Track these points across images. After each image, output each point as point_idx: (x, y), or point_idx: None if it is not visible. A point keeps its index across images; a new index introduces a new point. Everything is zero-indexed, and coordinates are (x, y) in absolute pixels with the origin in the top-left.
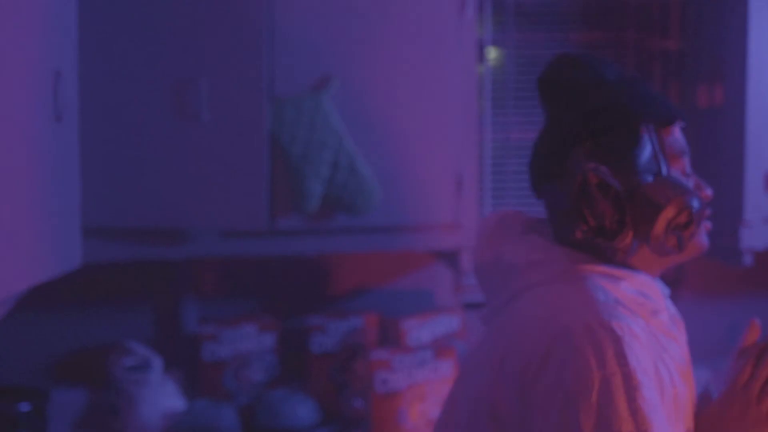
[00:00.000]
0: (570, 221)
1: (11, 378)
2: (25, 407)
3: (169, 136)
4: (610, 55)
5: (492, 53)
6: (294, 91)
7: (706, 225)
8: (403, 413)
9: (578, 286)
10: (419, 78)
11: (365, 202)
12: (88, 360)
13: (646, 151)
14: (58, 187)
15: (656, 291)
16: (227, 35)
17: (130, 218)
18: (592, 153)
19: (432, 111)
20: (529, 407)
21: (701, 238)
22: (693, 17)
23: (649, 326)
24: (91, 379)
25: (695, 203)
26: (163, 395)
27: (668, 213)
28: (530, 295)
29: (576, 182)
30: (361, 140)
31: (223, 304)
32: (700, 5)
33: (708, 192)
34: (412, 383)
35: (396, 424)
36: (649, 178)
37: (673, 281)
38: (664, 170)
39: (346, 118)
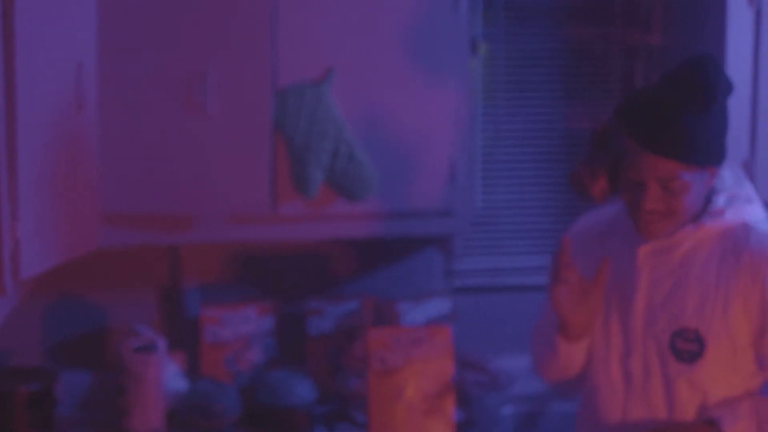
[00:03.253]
0: None
1: (22, 359)
2: (35, 387)
3: (177, 126)
4: (595, 51)
5: (483, 47)
6: (296, 82)
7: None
8: (400, 390)
9: None
10: (415, 70)
11: (364, 189)
12: (96, 342)
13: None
14: (79, 172)
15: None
16: (233, 29)
17: (143, 204)
18: None
19: (426, 101)
20: None
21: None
22: (675, 13)
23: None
24: (99, 360)
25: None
26: (166, 376)
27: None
28: None
29: None
30: (360, 130)
31: (224, 288)
32: (681, 1)
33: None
34: (409, 361)
35: (393, 400)
36: None
37: None
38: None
39: (345, 109)
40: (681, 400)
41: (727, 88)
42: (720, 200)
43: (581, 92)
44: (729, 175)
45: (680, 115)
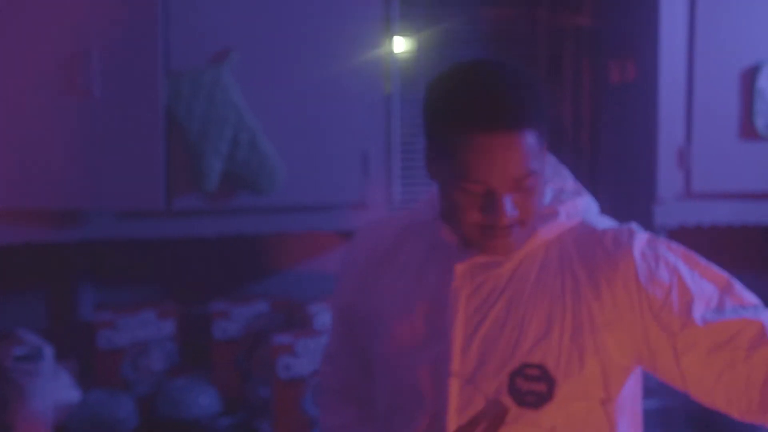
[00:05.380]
0: None
1: None
2: None
3: (58, 113)
4: (521, 33)
5: (401, 30)
6: (191, 64)
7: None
8: (308, 401)
9: None
10: (323, 53)
11: (267, 181)
12: None
13: None
14: None
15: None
16: (119, 5)
17: (18, 199)
18: None
19: (337, 87)
20: None
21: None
22: None
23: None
24: None
25: None
26: (56, 386)
27: None
28: None
29: None
30: (263, 116)
31: (119, 289)
32: None
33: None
34: (317, 369)
35: (300, 412)
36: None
37: None
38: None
39: (246, 93)
40: None
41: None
42: (546, 197)
43: None
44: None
45: (505, 82)
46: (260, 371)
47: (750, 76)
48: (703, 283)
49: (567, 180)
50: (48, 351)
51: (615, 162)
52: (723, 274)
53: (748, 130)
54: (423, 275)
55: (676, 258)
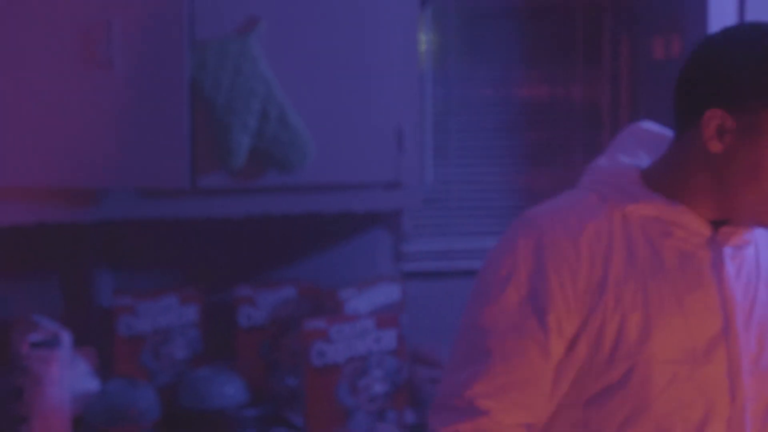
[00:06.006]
0: None
1: None
2: None
3: (77, 85)
4: (557, 9)
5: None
6: (217, 34)
7: None
8: (343, 389)
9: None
10: (357, 24)
11: (297, 157)
12: None
13: None
14: None
15: (688, 223)
16: None
17: (34, 176)
18: None
19: (370, 59)
20: None
21: None
22: None
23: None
24: None
25: None
26: (73, 375)
27: None
28: None
29: None
30: (292, 89)
31: (140, 274)
32: None
33: None
34: (352, 356)
35: (334, 401)
36: None
37: None
38: None
39: (274, 65)
40: None
41: None
42: None
43: (541, 55)
44: None
45: None
46: (287, 360)
47: None
48: None
49: None
50: (66, 337)
51: None
52: None
53: None
54: (672, 266)
55: None
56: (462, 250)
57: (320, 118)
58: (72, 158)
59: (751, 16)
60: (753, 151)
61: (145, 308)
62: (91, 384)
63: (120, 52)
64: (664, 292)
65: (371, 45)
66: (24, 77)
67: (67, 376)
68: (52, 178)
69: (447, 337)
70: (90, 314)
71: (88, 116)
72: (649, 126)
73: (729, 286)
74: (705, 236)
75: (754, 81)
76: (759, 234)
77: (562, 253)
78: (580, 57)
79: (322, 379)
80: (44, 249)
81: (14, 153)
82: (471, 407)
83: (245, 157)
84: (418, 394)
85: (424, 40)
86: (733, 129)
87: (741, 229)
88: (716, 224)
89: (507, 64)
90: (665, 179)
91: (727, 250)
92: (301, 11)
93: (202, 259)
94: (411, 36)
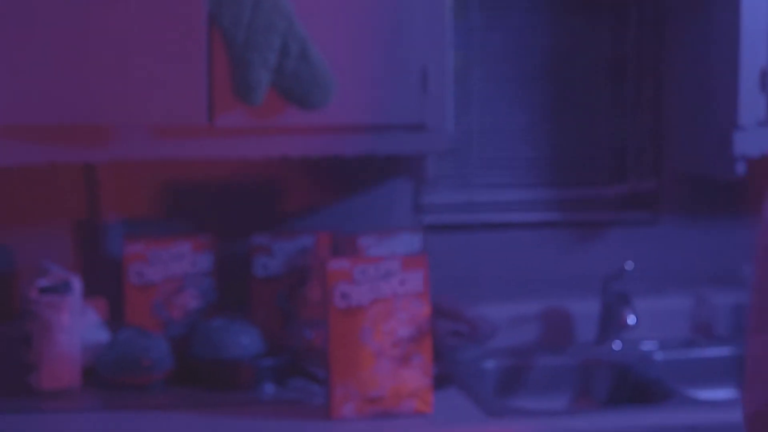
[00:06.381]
0: None
1: None
2: None
3: (86, 14)
4: None
5: None
6: None
7: None
8: (367, 332)
9: None
10: None
11: (318, 95)
12: None
13: None
14: None
15: None
16: None
17: (47, 113)
18: None
19: None
20: None
21: None
22: None
23: None
24: (2, 310)
25: None
26: (83, 324)
27: None
28: None
29: None
30: (314, 25)
31: (153, 222)
32: None
33: None
34: (377, 298)
35: (359, 344)
36: None
37: None
38: None
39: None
40: None
41: None
42: None
43: (567, 2)
44: None
45: None
46: (305, 311)
47: None
48: None
49: None
50: (76, 283)
51: (688, 86)
52: None
53: None
54: None
55: None
56: (484, 202)
57: (342, 55)
58: (83, 94)
59: None
60: None
61: (157, 255)
62: (101, 335)
63: None
64: None
65: None
66: (33, 7)
67: (77, 324)
68: (62, 114)
69: (468, 291)
70: (101, 264)
71: (99, 48)
72: None
73: None
74: None
75: None
76: None
77: None
78: (606, 5)
79: (346, 322)
80: (56, 196)
81: (21, 88)
82: None
83: (265, 94)
84: (439, 347)
85: None
86: None
87: None
88: None
89: (531, 12)
90: None
91: None
92: None
93: (218, 206)
94: None
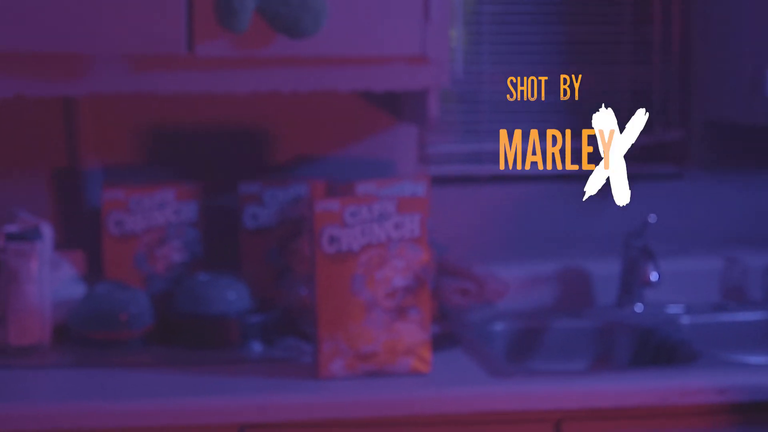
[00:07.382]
0: None
1: None
2: None
3: None
4: None
5: None
6: None
7: None
8: (358, 280)
9: None
10: None
11: (309, 21)
12: None
13: None
14: None
15: None
16: None
17: (16, 42)
18: None
19: None
20: None
21: None
22: None
23: None
24: None
25: None
26: (57, 278)
27: None
28: None
29: None
30: None
31: (135, 169)
32: None
33: None
34: (369, 243)
35: (349, 294)
36: None
37: None
38: None
39: None
40: None
41: None
42: None
43: None
44: None
45: None
46: (298, 266)
47: None
48: None
49: None
50: (47, 230)
51: (717, 27)
52: None
53: None
54: None
55: None
56: (493, 152)
57: None
58: (54, 17)
59: None
60: None
61: (138, 203)
62: (77, 290)
63: None
64: None
65: None
66: None
67: (47, 275)
68: (31, 41)
69: (477, 249)
70: (79, 214)
71: None
72: None
73: None
74: None
75: None
76: None
77: None
78: None
79: (335, 269)
80: (32, 143)
81: None
82: None
83: (249, 20)
84: (444, 306)
85: None
86: None
87: None
88: None
89: None
90: None
91: None
92: None
93: (204, 152)
94: None
